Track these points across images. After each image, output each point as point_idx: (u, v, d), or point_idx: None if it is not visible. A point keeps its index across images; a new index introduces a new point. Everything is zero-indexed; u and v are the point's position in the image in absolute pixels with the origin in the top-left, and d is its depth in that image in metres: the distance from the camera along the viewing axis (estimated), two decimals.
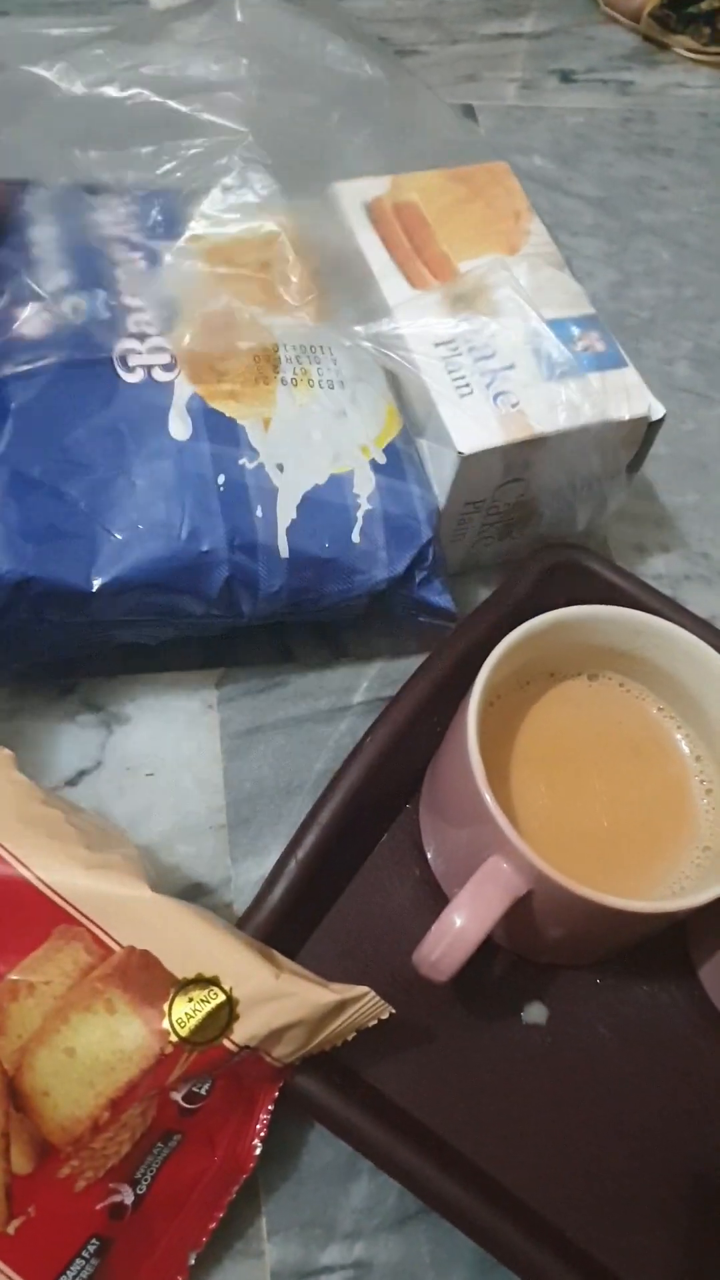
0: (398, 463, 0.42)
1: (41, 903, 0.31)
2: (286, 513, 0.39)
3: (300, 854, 0.37)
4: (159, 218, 0.44)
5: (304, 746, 0.43)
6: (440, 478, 0.43)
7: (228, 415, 0.40)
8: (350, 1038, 0.34)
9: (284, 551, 0.39)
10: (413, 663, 0.45)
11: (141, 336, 0.41)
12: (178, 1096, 0.31)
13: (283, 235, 0.43)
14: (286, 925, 0.36)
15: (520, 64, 0.67)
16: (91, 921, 0.31)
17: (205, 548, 0.38)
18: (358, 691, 0.44)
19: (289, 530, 0.39)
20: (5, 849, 0.31)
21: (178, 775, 0.41)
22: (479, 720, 0.34)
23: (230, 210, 0.43)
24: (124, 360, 0.40)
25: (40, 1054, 0.30)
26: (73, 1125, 0.30)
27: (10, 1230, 0.29)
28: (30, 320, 0.40)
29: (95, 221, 0.43)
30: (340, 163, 0.46)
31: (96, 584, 0.37)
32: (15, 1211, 0.30)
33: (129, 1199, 0.31)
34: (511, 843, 0.32)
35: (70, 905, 0.31)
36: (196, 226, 0.43)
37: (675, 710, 0.39)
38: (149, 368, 0.40)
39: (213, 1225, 0.33)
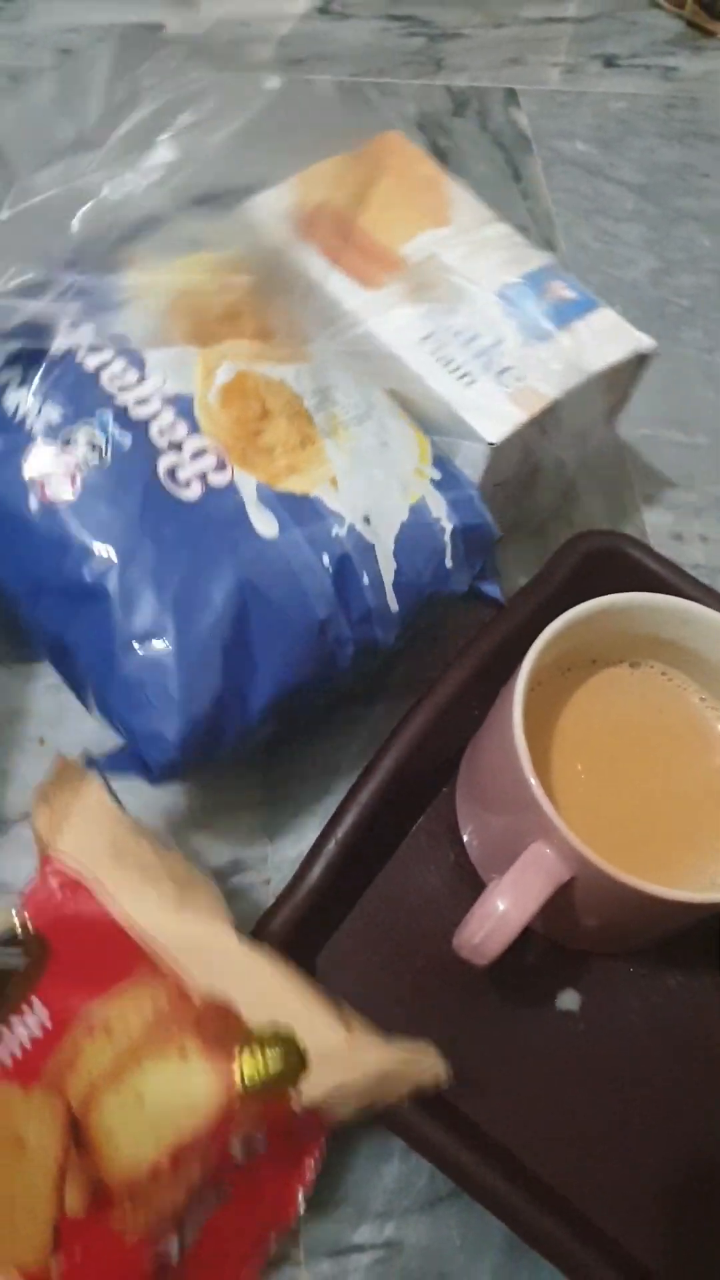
0: (449, 471, 0.41)
1: (127, 940, 0.31)
2: (388, 566, 0.38)
3: (339, 833, 0.37)
4: (96, 299, 0.39)
5: (342, 727, 0.43)
6: (470, 474, 0.42)
7: (299, 493, 0.37)
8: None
9: (394, 606, 0.38)
10: (450, 647, 0.45)
11: (177, 446, 0.37)
12: (235, 1149, 0.31)
13: (239, 277, 0.40)
14: (323, 905, 0.36)
15: (564, 48, 0.66)
16: (175, 964, 0.30)
17: (333, 636, 0.37)
18: (395, 673, 0.44)
19: (395, 585, 0.38)
20: (99, 881, 0.31)
21: None
22: (525, 703, 0.34)
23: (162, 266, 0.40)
24: (173, 478, 0.36)
25: (109, 1095, 0.30)
26: (132, 1170, 0.29)
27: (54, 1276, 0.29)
28: (54, 479, 0.36)
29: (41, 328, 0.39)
30: (243, 183, 0.44)
31: (257, 716, 0.36)
32: (61, 1249, 0.29)
33: (174, 1251, 0.30)
34: (556, 828, 0.32)
35: (155, 946, 0.31)
36: (135, 280, 0.39)
37: (718, 700, 0.39)
38: (201, 476, 0.36)
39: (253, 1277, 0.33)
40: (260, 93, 0.42)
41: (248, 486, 0.36)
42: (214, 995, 0.30)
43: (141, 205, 0.39)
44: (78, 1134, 0.29)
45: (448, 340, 0.41)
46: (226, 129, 0.41)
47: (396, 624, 0.38)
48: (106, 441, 0.36)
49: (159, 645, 0.34)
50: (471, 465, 0.41)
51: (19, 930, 0.31)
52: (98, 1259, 0.29)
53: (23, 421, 0.37)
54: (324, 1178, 0.35)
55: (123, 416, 0.37)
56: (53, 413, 0.37)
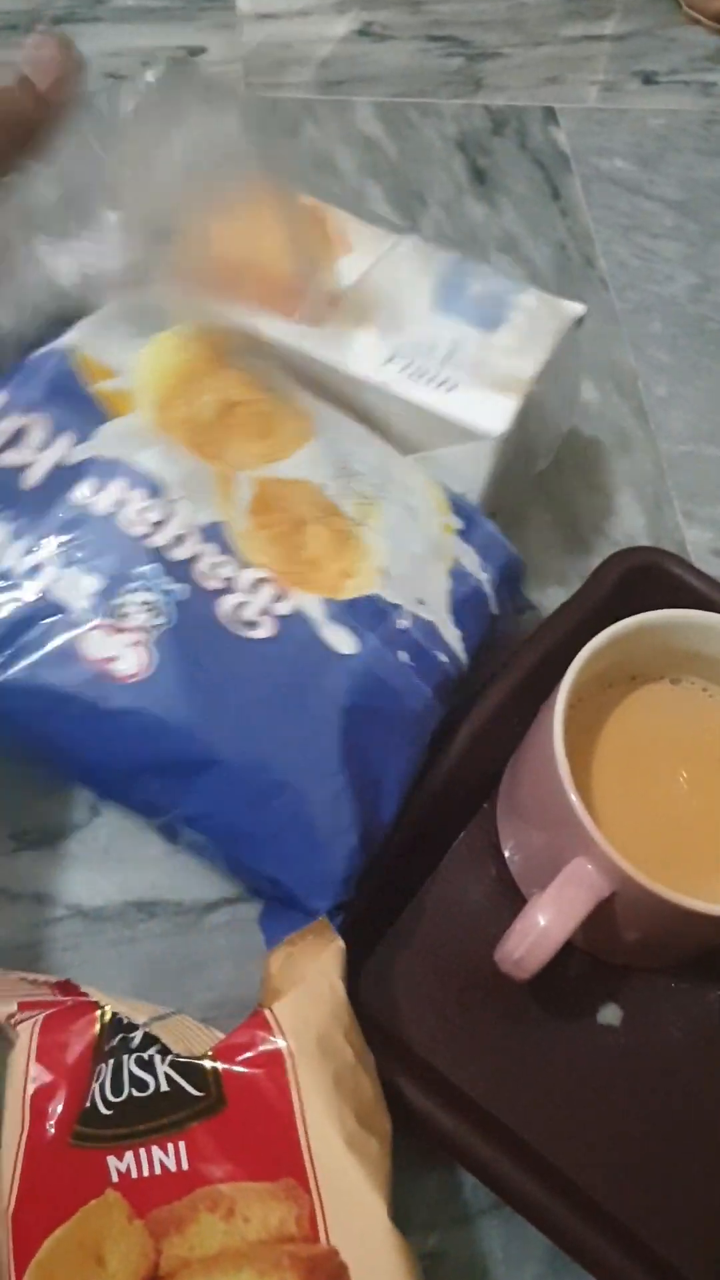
0: (466, 512, 0.41)
1: (293, 1143, 0.29)
2: (453, 635, 0.38)
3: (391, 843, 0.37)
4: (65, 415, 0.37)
5: None
6: (474, 475, 0.42)
7: (359, 597, 0.36)
8: None
9: (466, 667, 0.38)
10: (489, 659, 0.45)
11: (229, 582, 0.35)
12: None
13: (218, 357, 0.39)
14: (366, 920, 0.37)
15: (602, 66, 0.66)
16: (320, 1198, 0.29)
17: (431, 720, 0.37)
18: None
19: (465, 650, 0.38)
20: (295, 1070, 0.30)
21: None
22: (566, 720, 0.34)
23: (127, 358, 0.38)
24: (240, 619, 0.34)
25: (197, 1278, 0.28)
26: None
27: None
28: (121, 657, 0.33)
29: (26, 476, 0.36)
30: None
31: (391, 820, 0.36)
32: None
33: None
34: (597, 844, 0.33)
35: (313, 1168, 0.29)
36: (105, 386, 0.37)
37: None
38: (267, 612, 0.35)
39: None
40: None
41: (313, 608, 0.35)
42: (336, 1255, 0.28)
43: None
44: None
45: (412, 355, 0.41)
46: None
47: (469, 679, 0.39)
48: (164, 599, 0.34)
49: (289, 797, 0.33)
50: (476, 468, 0.42)
51: (209, 1068, 0.30)
52: None
53: (45, 588, 0.34)
54: None
55: (167, 564, 0.34)
56: (89, 581, 0.34)
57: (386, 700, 0.36)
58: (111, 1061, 0.31)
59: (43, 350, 0.37)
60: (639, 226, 0.60)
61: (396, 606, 0.37)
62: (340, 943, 0.33)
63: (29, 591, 0.34)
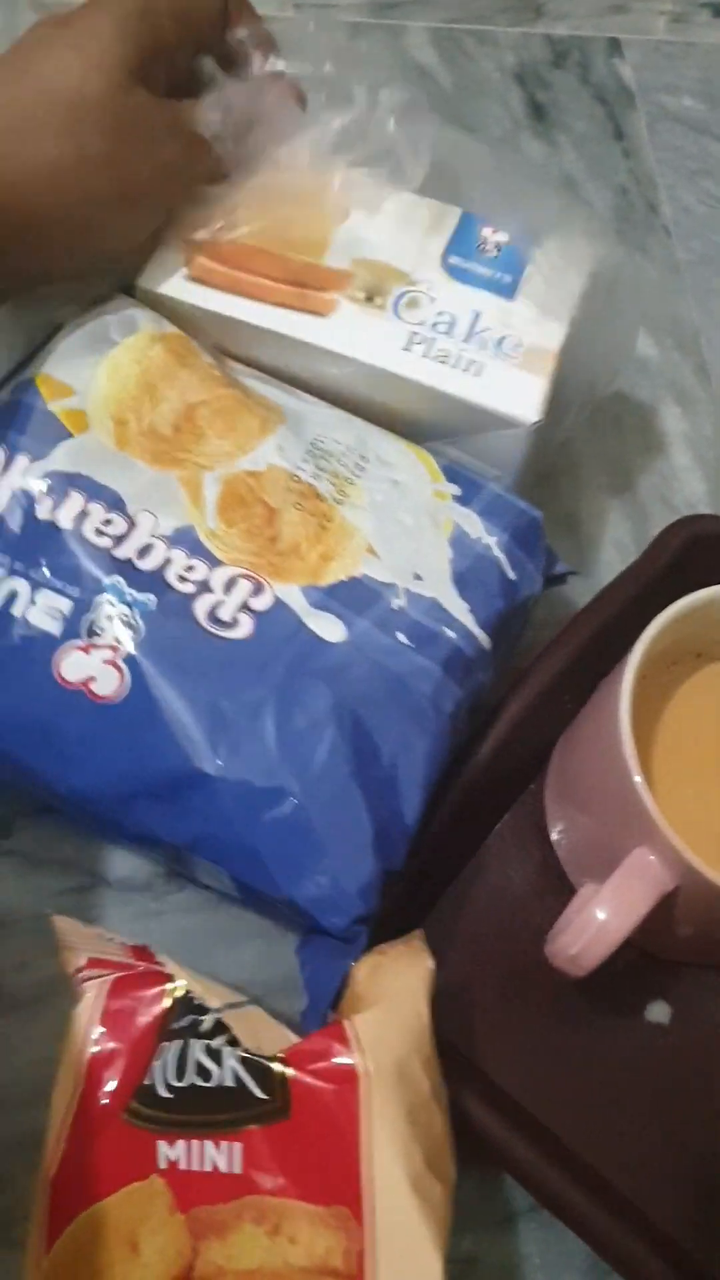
0: (465, 478, 0.38)
1: (352, 1174, 0.27)
2: (460, 609, 0.35)
3: (429, 828, 0.35)
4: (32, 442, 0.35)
5: None
6: (507, 460, 0.39)
7: (343, 579, 0.34)
8: None
9: (486, 643, 0.35)
10: (537, 633, 0.42)
11: (204, 585, 0.33)
12: None
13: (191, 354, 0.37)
14: (406, 904, 0.35)
15: None
16: (374, 1237, 0.27)
17: (448, 706, 0.34)
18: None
19: (477, 622, 0.35)
20: (369, 1093, 0.28)
21: None
22: (632, 697, 0.32)
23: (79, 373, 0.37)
24: (216, 620, 0.33)
25: None
26: None
27: None
28: (98, 676, 0.32)
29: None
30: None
31: (416, 822, 0.33)
32: None
33: None
34: (662, 834, 0.30)
35: (371, 1203, 0.27)
36: (60, 405, 0.36)
37: None
38: (244, 608, 0.33)
39: None
40: None
41: (294, 597, 0.34)
42: None
43: None
44: None
45: (431, 336, 0.38)
46: None
47: (492, 657, 0.36)
48: (132, 611, 0.33)
49: (287, 805, 0.31)
50: (509, 453, 0.39)
51: (278, 1072, 0.28)
52: None
53: (18, 617, 0.33)
54: None
55: (133, 574, 0.33)
56: (57, 603, 0.33)
57: (388, 688, 0.33)
58: (178, 1043, 0.29)
59: (9, 386, 0.37)
60: (707, 171, 0.56)
61: (390, 585, 0.35)
62: (431, 963, 0.31)
63: (7, 623, 0.33)
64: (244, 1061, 0.28)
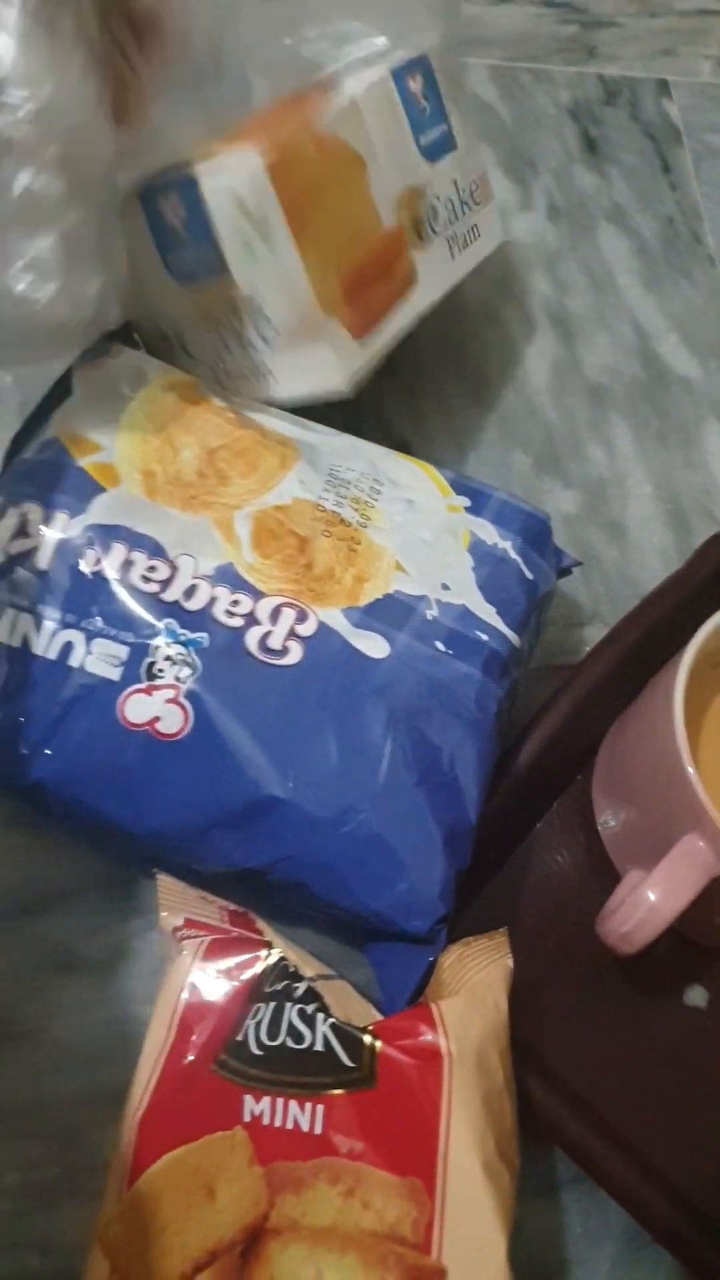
0: (471, 489, 0.40)
1: (430, 1148, 0.28)
2: (488, 613, 0.37)
3: (483, 813, 0.37)
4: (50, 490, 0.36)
5: None
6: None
7: (379, 598, 0.36)
8: None
9: (516, 641, 0.37)
10: (581, 632, 0.45)
11: (251, 617, 0.35)
12: None
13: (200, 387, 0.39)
14: (463, 884, 0.36)
15: (717, 41, 0.65)
16: (443, 1212, 0.28)
17: (492, 705, 0.35)
18: (533, 658, 0.44)
19: (506, 623, 0.37)
20: (448, 1079, 0.29)
21: None
22: (685, 693, 0.34)
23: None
24: (267, 649, 0.34)
25: (299, 1246, 0.28)
26: None
27: None
28: (163, 716, 0.33)
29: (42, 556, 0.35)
30: None
31: (476, 817, 0.34)
32: None
33: None
34: (713, 820, 0.32)
35: (444, 1179, 0.28)
36: (88, 460, 0.37)
37: None
38: (292, 634, 0.34)
39: None
40: None
41: (337, 620, 0.35)
42: (443, 1274, 0.27)
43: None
44: (251, 1244, 0.28)
45: (454, 233, 0.42)
46: None
47: (523, 653, 0.38)
48: (187, 649, 0.34)
49: (358, 819, 0.32)
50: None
51: (367, 1043, 0.30)
52: None
53: (78, 668, 0.34)
54: None
55: (183, 615, 0.34)
56: (114, 649, 0.34)
57: (435, 695, 0.35)
58: (273, 1005, 0.30)
59: (33, 444, 0.38)
60: None
61: (421, 598, 0.36)
62: (510, 962, 0.32)
63: (67, 674, 0.34)
64: (335, 1029, 0.30)
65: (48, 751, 0.33)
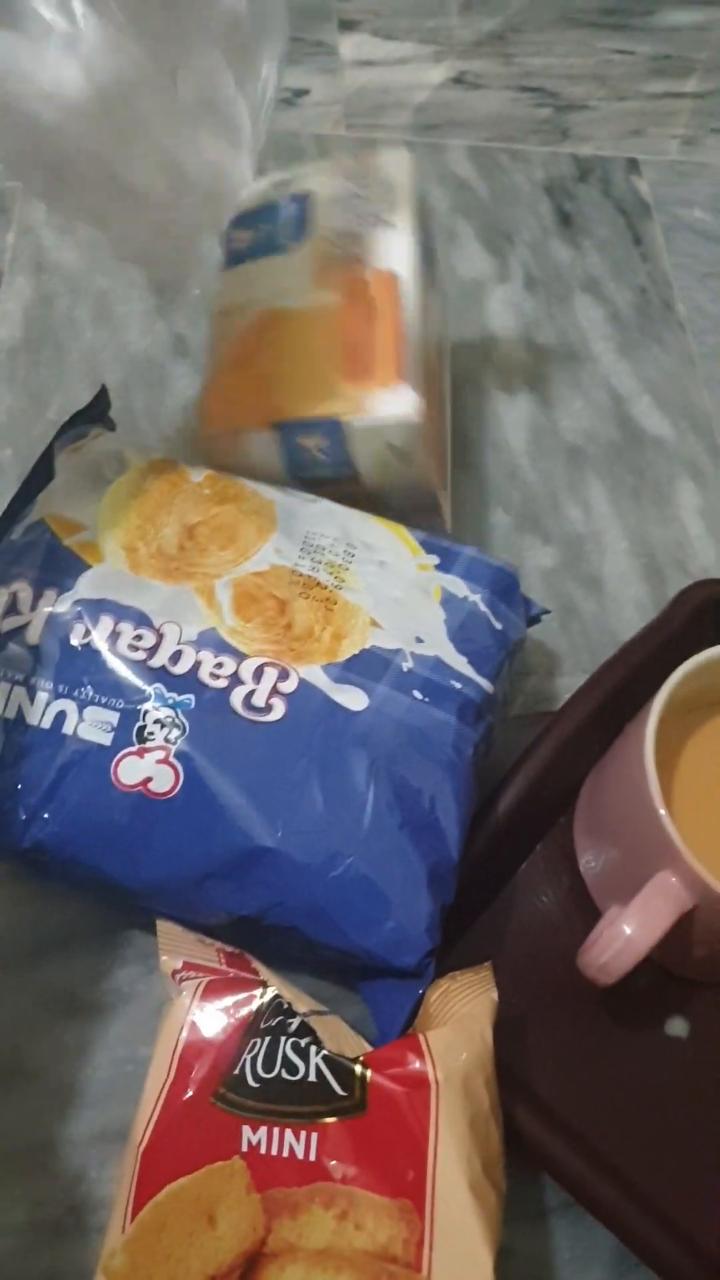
0: (440, 547, 0.42)
1: (419, 1172, 0.30)
2: (460, 662, 0.39)
3: (469, 855, 0.39)
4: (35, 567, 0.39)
5: None
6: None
7: (356, 653, 0.38)
8: None
9: (489, 688, 0.39)
10: (561, 681, 0.47)
11: (235, 677, 0.37)
12: None
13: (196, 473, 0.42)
14: (450, 923, 0.38)
15: (683, 121, 0.69)
16: (432, 1231, 0.29)
17: (468, 749, 0.37)
18: (514, 705, 0.46)
19: (479, 673, 0.39)
20: (435, 1105, 0.31)
21: None
22: (655, 740, 0.36)
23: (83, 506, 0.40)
24: (251, 706, 0.36)
25: (296, 1267, 0.29)
26: None
27: None
28: (155, 776, 0.35)
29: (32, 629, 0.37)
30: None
31: (459, 855, 0.36)
32: None
33: None
34: (683, 858, 0.34)
35: (433, 1200, 0.29)
36: (75, 539, 0.39)
37: None
38: (274, 691, 0.37)
39: None
40: None
41: (317, 676, 0.37)
42: None
43: None
44: (249, 1268, 0.29)
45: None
46: None
47: (497, 699, 0.40)
48: (175, 712, 0.36)
49: (345, 864, 0.34)
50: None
51: (358, 1072, 0.31)
52: None
53: (71, 735, 0.36)
54: None
55: (171, 679, 0.36)
56: (105, 716, 0.36)
57: (413, 742, 0.37)
58: (268, 1039, 0.32)
59: (18, 527, 0.40)
60: (717, 274, 0.62)
61: (396, 650, 0.38)
62: (495, 995, 0.34)
63: (61, 742, 0.36)
64: (327, 1061, 0.32)
65: (45, 816, 0.35)
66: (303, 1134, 0.31)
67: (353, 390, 0.41)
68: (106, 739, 0.36)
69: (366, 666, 0.38)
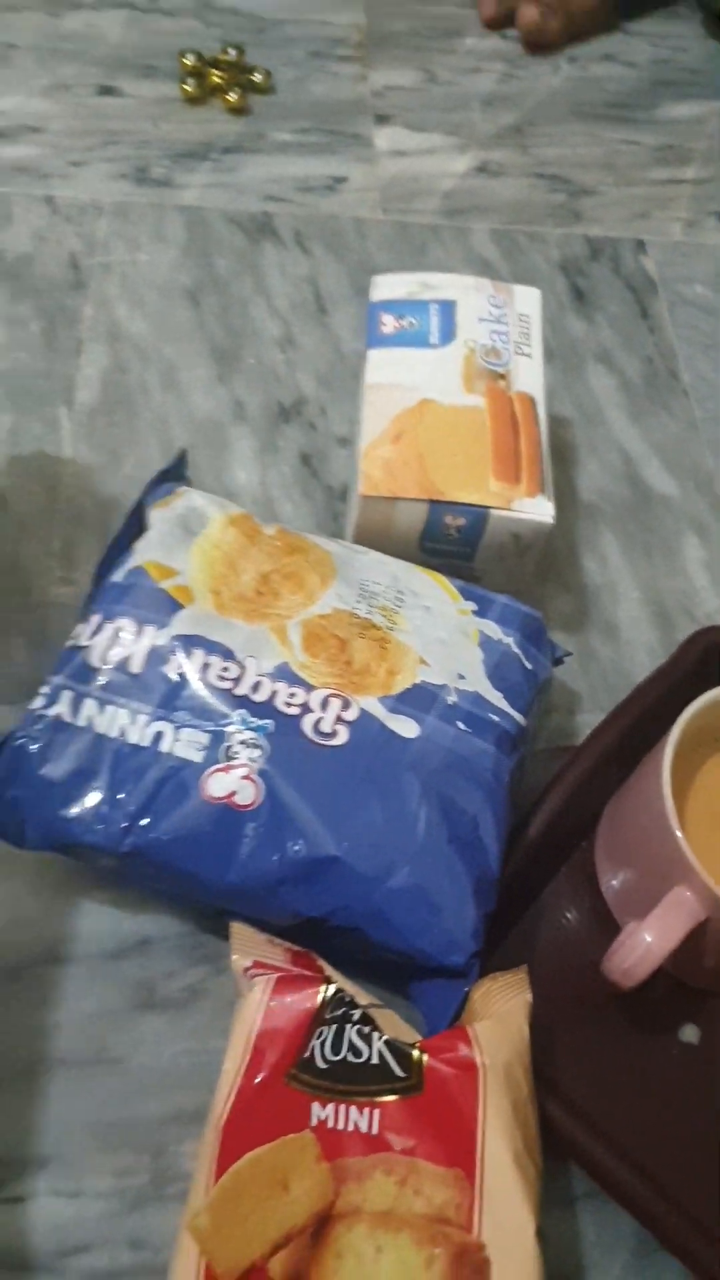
0: (477, 595, 0.47)
1: (470, 1144, 0.34)
2: (496, 697, 0.44)
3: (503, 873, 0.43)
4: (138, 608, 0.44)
5: None
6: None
7: (408, 688, 0.43)
8: None
9: (522, 720, 0.44)
10: (581, 718, 0.51)
11: (305, 706, 0.42)
12: None
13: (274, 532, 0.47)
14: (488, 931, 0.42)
15: (684, 206, 0.75)
16: (481, 1196, 0.33)
17: (506, 774, 0.42)
18: (540, 740, 0.50)
19: (513, 706, 0.44)
20: (483, 1087, 0.35)
21: None
22: (672, 768, 0.41)
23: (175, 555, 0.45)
24: (320, 732, 0.41)
25: (362, 1226, 0.33)
26: None
27: None
28: (240, 790, 0.40)
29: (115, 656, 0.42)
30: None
31: (499, 867, 0.41)
32: None
33: None
34: (697, 874, 0.39)
35: (482, 1169, 0.33)
36: (170, 583, 0.44)
37: None
38: (339, 719, 0.41)
39: None
40: None
41: (374, 707, 0.42)
42: (483, 1248, 0.32)
43: None
44: (320, 1227, 0.33)
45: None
46: None
47: (529, 731, 0.45)
48: (256, 735, 0.41)
49: (401, 873, 0.39)
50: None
51: (415, 1056, 0.36)
52: None
53: (167, 753, 0.40)
54: None
55: (252, 706, 0.41)
56: (197, 736, 0.41)
57: (458, 767, 0.41)
58: (334, 1027, 0.36)
59: (121, 570, 0.45)
60: (717, 345, 0.68)
61: (442, 686, 0.43)
62: (529, 995, 0.38)
63: (157, 758, 0.40)
64: (388, 1045, 0.36)
65: (143, 823, 0.40)
66: (366, 1110, 0.35)
67: (500, 489, 0.48)
68: (198, 756, 0.40)
69: (417, 699, 0.42)
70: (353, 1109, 0.35)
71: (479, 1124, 0.34)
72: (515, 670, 0.45)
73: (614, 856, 0.46)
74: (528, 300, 0.55)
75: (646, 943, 0.39)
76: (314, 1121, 0.35)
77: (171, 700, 0.41)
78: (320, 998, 0.37)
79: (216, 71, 0.73)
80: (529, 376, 0.52)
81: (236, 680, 0.42)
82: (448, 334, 0.52)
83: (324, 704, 0.42)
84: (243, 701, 0.42)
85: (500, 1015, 0.37)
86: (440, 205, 0.71)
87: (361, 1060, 0.36)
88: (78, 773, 0.40)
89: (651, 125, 0.80)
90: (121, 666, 0.42)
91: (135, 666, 0.42)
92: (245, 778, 0.40)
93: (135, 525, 0.47)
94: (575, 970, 0.45)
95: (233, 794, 0.40)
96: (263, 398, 0.60)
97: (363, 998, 0.37)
